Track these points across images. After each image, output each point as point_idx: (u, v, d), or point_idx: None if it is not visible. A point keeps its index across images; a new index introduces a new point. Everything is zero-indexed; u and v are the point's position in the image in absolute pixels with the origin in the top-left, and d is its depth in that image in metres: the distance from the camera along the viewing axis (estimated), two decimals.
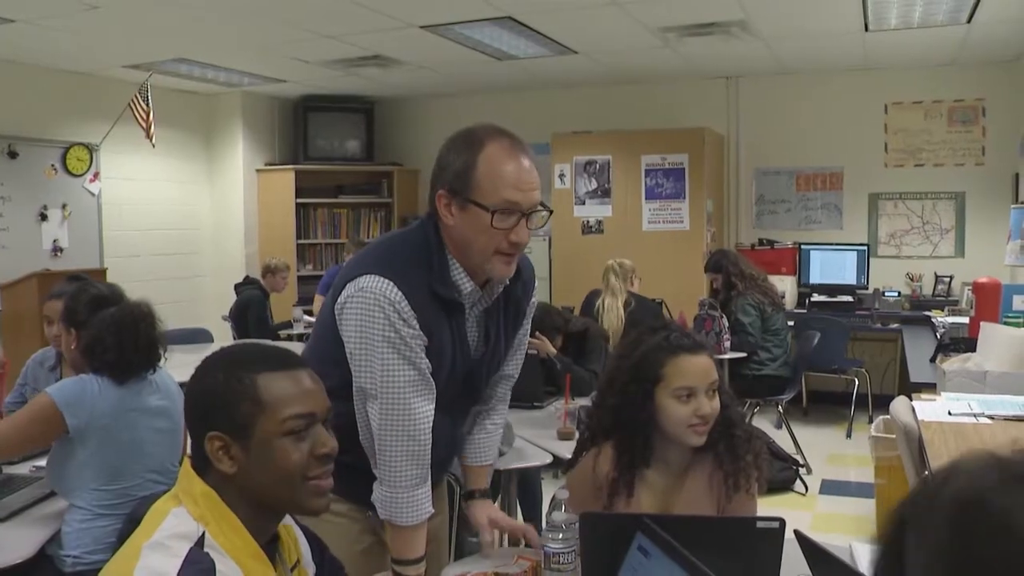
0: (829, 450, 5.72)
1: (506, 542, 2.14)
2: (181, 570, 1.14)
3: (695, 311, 5.35)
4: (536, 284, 1.96)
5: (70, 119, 6.71)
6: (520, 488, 3.51)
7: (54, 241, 6.64)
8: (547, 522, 1.72)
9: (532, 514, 3.79)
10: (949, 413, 3.00)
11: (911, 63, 6.72)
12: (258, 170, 8.07)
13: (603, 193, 7.07)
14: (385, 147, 8.45)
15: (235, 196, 7.98)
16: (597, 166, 7.08)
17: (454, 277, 1.73)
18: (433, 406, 1.73)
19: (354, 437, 1.72)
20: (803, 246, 7.00)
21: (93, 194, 6.92)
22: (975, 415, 2.98)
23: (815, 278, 6.91)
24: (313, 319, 6.24)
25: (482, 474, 2.03)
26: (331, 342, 1.74)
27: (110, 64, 6.41)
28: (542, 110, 7.68)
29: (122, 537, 2.07)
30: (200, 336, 5.85)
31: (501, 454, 2.82)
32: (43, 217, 6.57)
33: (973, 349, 3.91)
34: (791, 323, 5.91)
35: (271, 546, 1.33)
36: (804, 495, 4.85)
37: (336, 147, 8.18)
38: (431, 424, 1.72)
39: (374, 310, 1.65)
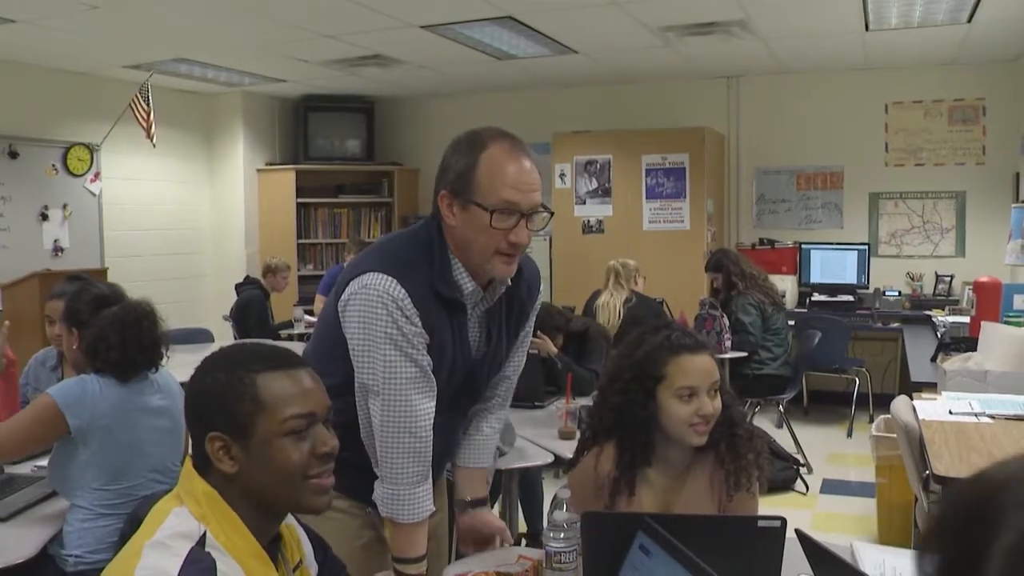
0: (830, 449, 5.72)
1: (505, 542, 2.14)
2: (182, 569, 1.15)
3: (696, 310, 5.36)
4: (541, 286, 1.98)
5: (71, 119, 6.72)
6: (521, 488, 3.51)
7: (55, 241, 6.64)
8: (549, 521, 1.72)
9: (533, 513, 3.80)
10: (950, 412, 3.01)
11: (911, 62, 6.71)
12: (259, 170, 8.07)
13: (603, 193, 7.07)
14: (385, 147, 8.45)
15: (236, 196, 7.98)
16: (597, 166, 7.08)
17: (456, 277, 1.75)
18: (434, 403, 1.74)
19: (354, 435, 1.73)
20: (803, 245, 7.00)
21: (94, 194, 6.93)
22: (976, 414, 2.98)
23: (816, 277, 6.91)
24: (313, 319, 6.26)
25: (476, 479, 2.01)
26: (333, 340, 1.75)
27: (110, 64, 6.41)
28: (542, 110, 7.69)
29: (124, 536, 2.07)
30: (201, 336, 5.85)
31: (502, 454, 2.82)
32: (44, 217, 6.57)
33: (974, 348, 3.91)
34: (792, 322, 5.91)
35: (273, 546, 1.33)
36: (805, 494, 4.85)
37: (336, 147, 8.18)
38: (432, 421, 1.73)
39: (377, 307, 1.66)
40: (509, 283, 1.82)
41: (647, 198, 6.93)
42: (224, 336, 6.30)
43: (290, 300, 7.05)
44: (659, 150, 6.87)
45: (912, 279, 6.90)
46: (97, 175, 6.93)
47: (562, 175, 7.12)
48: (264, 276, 6.45)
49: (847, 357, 6.49)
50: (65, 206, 6.71)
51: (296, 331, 6.36)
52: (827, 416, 6.55)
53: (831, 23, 5.51)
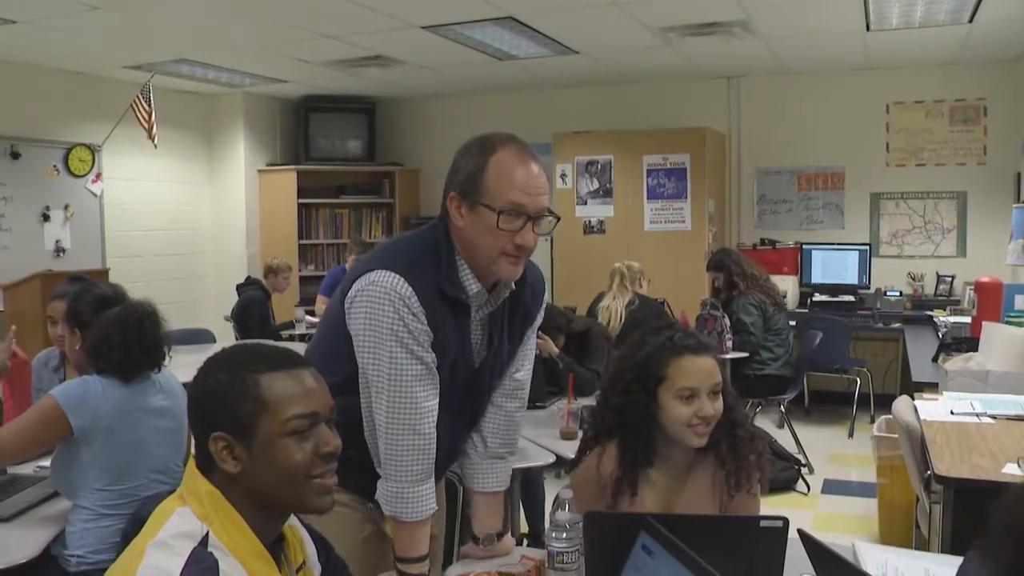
0: (831, 450, 5.72)
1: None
2: (184, 569, 1.15)
3: (697, 311, 5.36)
4: (545, 289, 1.99)
5: (72, 120, 6.72)
6: (523, 488, 3.52)
7: (56, 242, 6.65)
8: (551, 521, 1.72)
9: (534, 514, 3.80)
10: (951, 412, 3.01)
11: (913, 63, 6.71)
12: (260, 170, 8.08)
13: (605, 193, 7.07)
14: (386, 147, 8.45)
15: (237, 196, 7.99)
16: (599, 166, 7.08)
17: (461, 278, 1.77)
18: (437, 401, 1.75)
19: (356, 432, 1.74)
20: (805, 246, 7.00)
21: (95, 194, 6.93)
22: (977, 414, 2.98)
23: (817, 278, 6.91)
24: (315, 319, 6.27)
25: (496, 505, 2.00)
26: (337, 338, 1.76)
27: (112, 65, 6.42)
28: (543, 110, 7.69)
29: (126, 537, 2.08)
30: (202, 336, 5.86)
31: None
32: (45, 218, 6.58)
33: (975, 348, 3.91)
34: (793, 323, 5.91)
35: (276, 546, 1.33)
36: (806, 495, 4.85)
37: (337, 147, 8.18)
38: (436, 419, 1.74)
39: (384, 304, 1.68)
40: (513, 287, 1.84)
41: (648, 198, 6.93)
42: (225, 337, 6.30)
43: (291, 301, 7.06)
44: (660, 150, 6.87)
45: (913, 279, 6.90)
46: (98, 176, 6.93)
47: (563, 175, 7.12)
48: (265, 277, 6.45)
49: (848, 357, 6.49)
50: (66, 207, 6.72)
51: (297, 332, 6.37)
52: (828, 416, 6.55)
53: (832, 23, 5.51)
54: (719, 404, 1.83)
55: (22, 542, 2.21)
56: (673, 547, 1.35)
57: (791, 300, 6.72)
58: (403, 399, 1.70)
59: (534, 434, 3.14)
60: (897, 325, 6.25)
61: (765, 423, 5.96)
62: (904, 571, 1.69)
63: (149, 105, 6.31)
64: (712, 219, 6.96)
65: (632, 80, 7.40)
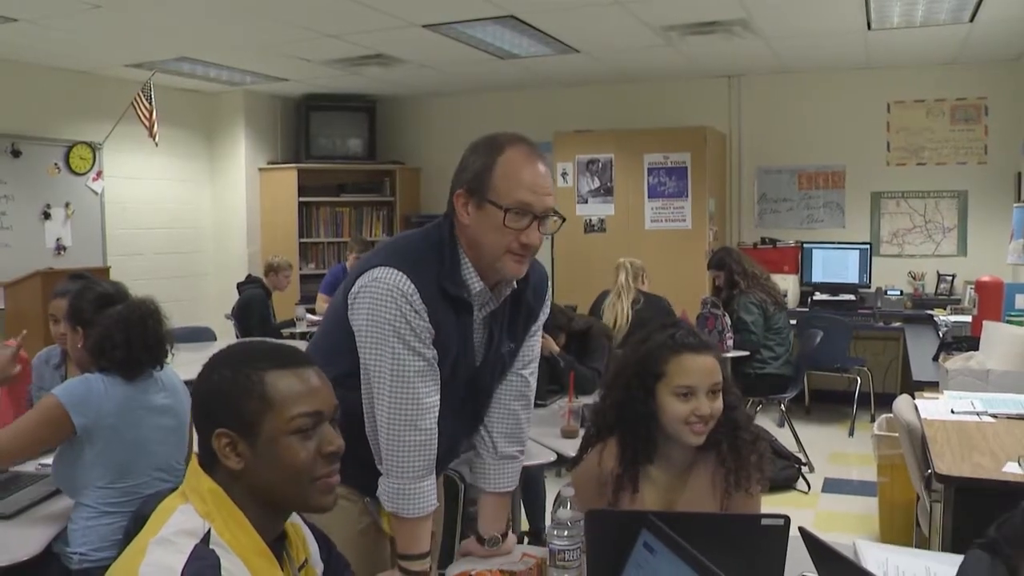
0: (831, 448, 5.72)
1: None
2: (186, 566, 1.15)
3: (698, 309, 5.36)
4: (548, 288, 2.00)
5: (73, 118, 6.72)
6: (523, 486, 3.52)
7: (57, 240, 6.65)
8: (553, 519, 1.73)
9: (535, 512, 3.80)
10: (952, 411, 3.01)
11: (913, 62, 6.71)
12: (260, 169, 8.08)
13: (605, 192, 7.07)
14: (387, 146, 8.45)
15: (237, 195, 7.99)
16: (599, 165, 7.09)
17: (464, 276, 1.77)
18: (439, 397, 1.76)
19: (356, 427, 1.74)
20: (805, 245, 7.01)
21: (96, 193, 6.94)
22: (978, 413, 2.99)
23: (817, 277, 6.91)
24: (315, 318, 6.27)
25: (502, 506, 2.00)
26: (340, 333, 1.77)
27: (112, 63, 6.42)
28: (544, 109, 7.69)
29: (128, 534, 2.08)
30: (204, 334, 5.86)
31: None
32: (46, 216, 6.58)
33: (976, 348, 3.92)
34: (793, 322, 5.92)
35: (279, 544, 1.33)
36: (806, 493, 4.86)
37: (338, 146, 8.19)
38: (437, 415, 1.75)
39: (386, 300, 1.69)
40: (515, 285, 1.84)
41: (649, 197, 6.93)
42: (226, 335, 6.31)
43: (292, 299, 7.07)
44: (661, 149, 6.87)
45: (914, 278, 6.90)
46: (99, 174, 6.93)
47: (564, 174, 7.12)
48: (266, 275, 6.46)
49: (849, 356, 6.49)
50: (67, 205, 6.72)
51: (298, 330, 6.37)
52: (829, 415, 6.56)
53: (833, 22, 5.51)
54: (718, 403, 1.83)
55: (24, 540, 2.22)
56: (675, 545, 1.35)
57: (792, 299, 6.72)
58: (405, 395, 1.71)
59: (535, 432, 3.13)
60: (898, 324, 6.25)
61: (766, 422, 5.96)
62: (905, 570, 1.69)
63: (150, 103, 6.31)
64: (713, 218, 6.96)
65: (633, 79, 7.40)
